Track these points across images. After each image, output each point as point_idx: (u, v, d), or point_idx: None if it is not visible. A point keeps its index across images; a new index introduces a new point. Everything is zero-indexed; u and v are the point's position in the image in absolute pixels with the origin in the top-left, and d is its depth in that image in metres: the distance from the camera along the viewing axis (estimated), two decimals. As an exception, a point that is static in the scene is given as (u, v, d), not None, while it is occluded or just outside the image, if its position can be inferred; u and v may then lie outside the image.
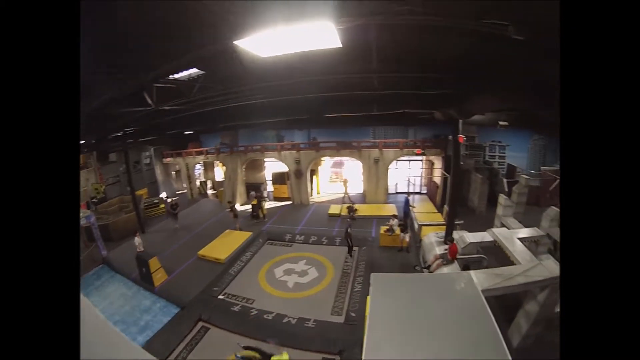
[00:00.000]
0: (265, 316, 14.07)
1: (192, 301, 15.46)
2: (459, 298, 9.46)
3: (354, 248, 20.44)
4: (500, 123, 27.44)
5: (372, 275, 9.58)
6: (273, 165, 36.47)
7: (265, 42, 6.77)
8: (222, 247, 21.06)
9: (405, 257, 19.93)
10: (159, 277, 17.63)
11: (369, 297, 8.75)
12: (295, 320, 13.73)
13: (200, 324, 13.92)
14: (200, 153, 36.75)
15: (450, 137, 21.84)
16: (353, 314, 14.12)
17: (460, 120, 17.32)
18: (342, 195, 33.08)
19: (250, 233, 23.25)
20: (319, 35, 6.39)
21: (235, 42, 6.69)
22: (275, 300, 15.53)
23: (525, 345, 12.91)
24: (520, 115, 24.68)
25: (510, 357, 6.64)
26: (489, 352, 6.97)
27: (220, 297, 15.84)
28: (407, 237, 20.19)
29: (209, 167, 40.64)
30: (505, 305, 12.99)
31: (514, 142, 35.19)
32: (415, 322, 7.91)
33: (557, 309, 12.65)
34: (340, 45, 7.01)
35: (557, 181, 28.69)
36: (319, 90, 15.01)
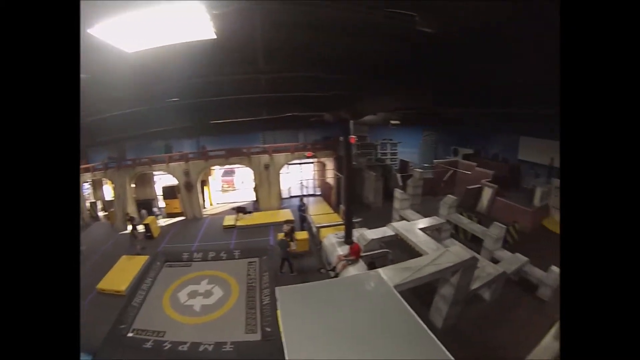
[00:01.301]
0: (180, 348, 13.12)
1: (102, 345, 13.94)
2: (373, 298, 9.34)
3: (255, 259, 19.99)
4: (392, 122, 28.20)
5: (277, 289, 9.19)
6: (164, 179, 33.70)
7: (126, 32, 5.91)
8: (121, 276, 19.34)
9: (308, 261, 19.79)
10: (62, 322, 15.81)
11: (279, 313, 8.34)
12: (212, 346, 12.98)
13: (117, 369, 12.70)
14: (87, 170, 31.99)
15: (341, 138, 21.74)
16: (268, 329, 13.68)
17: (352, 121, 17.25)
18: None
19: (147, 257, 21.59)
20: (188, 22, 5.60)
21: (89, 31, 5.70)
22: (186, 328, 14.56)
23: (449, 324, 13.39)
24: (413, 113, 25.30)
25: (440, 344, 6.77)
26: (416, 344, 7.04)
27: (130, 334, 14.49)
28: (293, 245, 19.86)
29: (97, 186, 37.01)
30: (421, 292, 13.26)
31: (405, 139, 36.98)
32: (334, 330, 7.58)
33: (473, 287, 13.55)
34: (215, 37, 6.28)
35: (451, 171, 30.31)
36: (204, 94, 14.14)
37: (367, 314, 8.36)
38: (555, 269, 15.43)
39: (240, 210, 28.00)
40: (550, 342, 8.62)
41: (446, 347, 6.76)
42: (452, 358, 6.56)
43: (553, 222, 25.25)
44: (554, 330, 8.86)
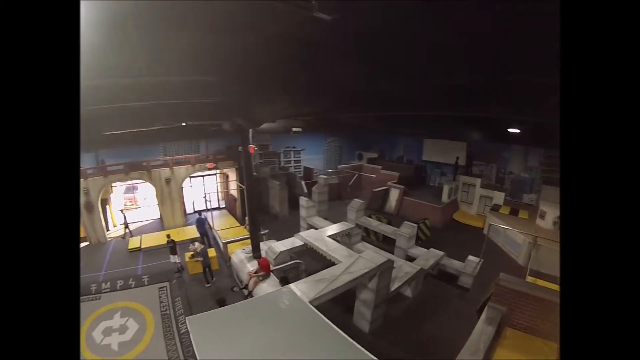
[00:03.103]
0: (107, 394, 12.25)
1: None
2: (289, 317, 9.26)
3: (165, 283, 19.33)
4: (294, 129, 27.91)
5: (188, 319, 8.92)
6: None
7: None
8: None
9: (220, 281, 19.26)
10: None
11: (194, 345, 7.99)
12: (140, 387, 12.23)
13: None
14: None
15: (240, 147, 21.03)
16: (192, 360, 13.26)
17: (251, 130, 16.63)
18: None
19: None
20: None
21: None
22: (110, 371, 13.63)
23: (376, 326, 13.65)
24: (314, 120, 25.11)
25: (365, 351, 6.95)
26: (341, 356, 7.17)
27: (54, 390, 13.10)
28: (176, 259, 19.90)
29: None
30: (340, 299, 12.98)
31: (308, 146, 37.21)
32: (254, 355, 7.46)
33: (393, 288, 13.91)
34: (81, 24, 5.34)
35: (356, 175, 30.67)
36: (93, 101, 12.70)
37: (286, 333, 8.28)
38: (473, 258, 16.28)
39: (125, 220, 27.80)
40: (483, 326, 8.78)
41: (377, 350, 7.04)
42: None
43: (463, 215, 26.23)
44: (484, 314, 9.14)
